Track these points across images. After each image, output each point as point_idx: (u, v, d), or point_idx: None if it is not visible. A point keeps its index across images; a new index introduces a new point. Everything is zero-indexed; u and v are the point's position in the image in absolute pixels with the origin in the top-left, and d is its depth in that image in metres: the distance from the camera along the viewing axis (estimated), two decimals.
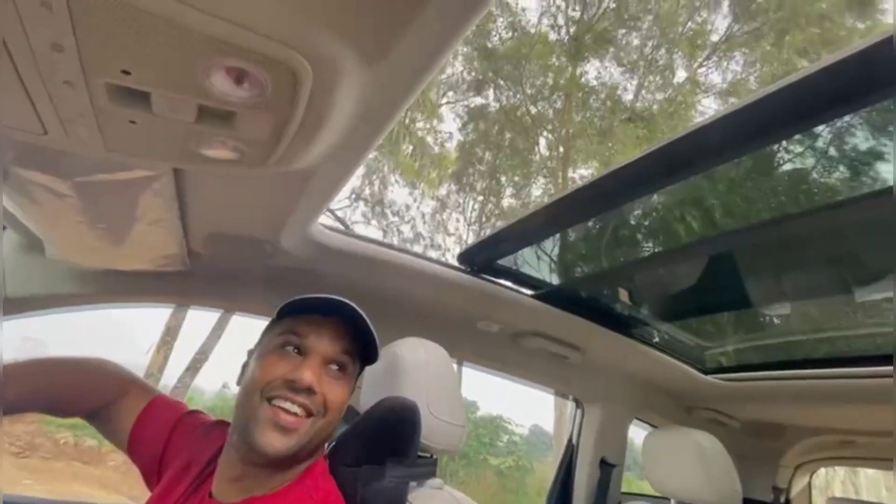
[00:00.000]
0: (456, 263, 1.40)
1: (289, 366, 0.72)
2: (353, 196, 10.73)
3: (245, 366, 0.80)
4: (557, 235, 1.31)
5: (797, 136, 0.88)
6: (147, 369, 7.37)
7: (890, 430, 1.80)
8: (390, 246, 1.32)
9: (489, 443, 9.62)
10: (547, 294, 1.46)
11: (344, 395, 0.77)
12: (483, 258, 1.36)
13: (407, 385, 0.96)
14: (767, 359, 1.79)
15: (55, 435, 6.49)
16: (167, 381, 7.59)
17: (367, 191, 10.78)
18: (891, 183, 0.82)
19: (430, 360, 1.04)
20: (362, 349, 0.81)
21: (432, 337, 1.10)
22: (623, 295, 1.51)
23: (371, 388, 1.04)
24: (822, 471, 2.65)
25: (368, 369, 1.12)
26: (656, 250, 1.29)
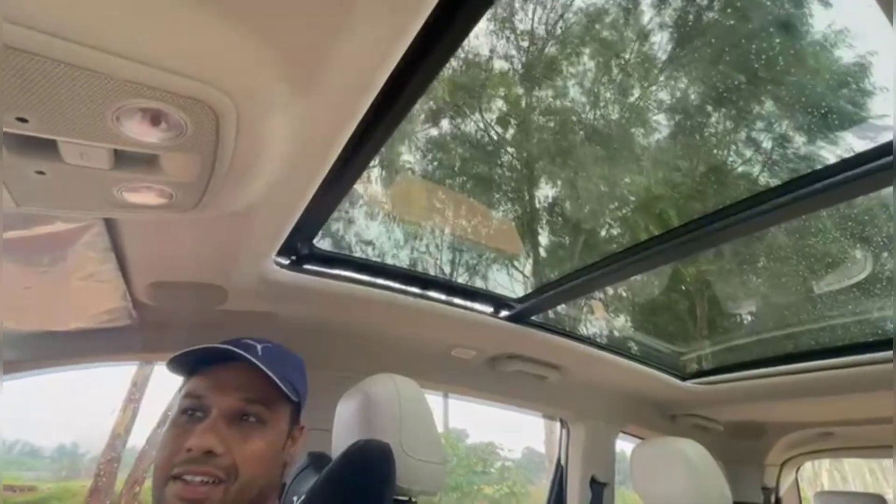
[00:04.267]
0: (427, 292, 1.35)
1: (187, 433, 0.66)
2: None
3: None
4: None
5: None
6: (113, 430, 6.89)
7: (863, 418, 1.84)
8: (356, 280, 1.28)
9: (482, 471, 9.35)
10: (517, 315, 1.44)
11: (260, 449, 0.69)
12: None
13: (379, 425, 0.91)
14: (741, 359, 1.81)
15: None
16: (135, 442, 7.08)
17: (336, 225, 10.63)
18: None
19: (403, 396, 0.99)
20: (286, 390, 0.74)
21: (408, 370, 1.05)
22: (597, 307, 1.51)
23: (342, 432, 0.99)
24: (809, 464, 2.66)
25: (339, 411, 1.06)
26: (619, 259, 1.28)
